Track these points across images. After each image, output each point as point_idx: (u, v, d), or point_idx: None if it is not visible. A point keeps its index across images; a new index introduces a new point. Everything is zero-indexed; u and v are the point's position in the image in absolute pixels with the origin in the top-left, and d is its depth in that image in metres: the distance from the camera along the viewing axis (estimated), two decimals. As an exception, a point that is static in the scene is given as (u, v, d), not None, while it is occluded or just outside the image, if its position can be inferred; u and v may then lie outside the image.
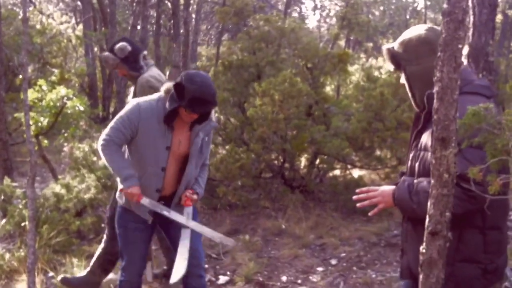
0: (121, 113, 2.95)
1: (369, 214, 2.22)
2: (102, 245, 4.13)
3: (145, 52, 3.95)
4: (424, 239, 1.65)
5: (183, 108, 2.80)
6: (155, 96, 2.98)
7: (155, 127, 2.87)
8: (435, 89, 1.63)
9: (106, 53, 3.89)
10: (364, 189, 2.23)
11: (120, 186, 2.95)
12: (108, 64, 3.90)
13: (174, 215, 2.98)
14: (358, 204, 2.22)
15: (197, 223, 3.03)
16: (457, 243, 2.02)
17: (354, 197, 2.24)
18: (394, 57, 2.25)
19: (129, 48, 3.79)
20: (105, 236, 4.12)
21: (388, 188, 2.18)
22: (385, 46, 2.31)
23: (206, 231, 3.05)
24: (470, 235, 2.03)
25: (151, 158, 2.92)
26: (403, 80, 2.25)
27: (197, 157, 3.02)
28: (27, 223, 4.80)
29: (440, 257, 1.65)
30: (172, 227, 3.15)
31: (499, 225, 2.12)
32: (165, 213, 2.98)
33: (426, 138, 2.10)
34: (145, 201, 2.95)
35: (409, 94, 2.24)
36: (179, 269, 2.88)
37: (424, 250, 1.65)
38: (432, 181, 1.64)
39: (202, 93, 2.75)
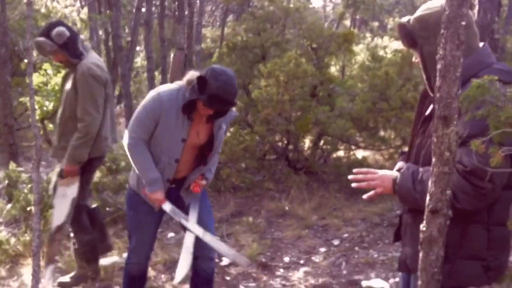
0: (143, 104, 2.89)
1: (364, 197, 2.08)
2: (72, 243, 4.05)
3: (82, 36, 3.78)
4: (425, 217, 1.64)
5: (201, 101, 2.76)
6: (175, 85, 2.92)
7: (174, 118, 2.83)
8: (438, 66, 1.60)
9: (42, 39, 3.58)
10: (363, 170, 2.08)
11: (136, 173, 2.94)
12: (44, 50, 3.62)
13: (191, 226, 2.94)
14: (354, 185, 2.06)
15: (213, 237, 2.95)
16: (460, 239, 1.92)
17: (351, 176, 2.08)
18: (409, 34, 2.04)
19: (67, 33, 3.58)
20: (71, 234, 4.04)
21: (389, 173, 2.05)
22: (400, 21, 2.09)
23: (222, 248, 2.95)
24: (474, 231, 1.92)
25: (166, 148, 2.89)
26: (416, 59, 2.08)
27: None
28: (32, 207, 4.84)
29: (440, 235, 1.64)
30: (182, 211, 3.13)
31: (505, 220, 2.00)
32: (183, 222, 2.95)
33: None
34: (167, 206, 2.92)
35: (424, 76, 2.06)
36: (183, 266, 2.87)
37: (424, 228, 1.64)
38: (433, 159, 1.62)
39: (223, 92, 2.69)
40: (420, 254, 1.65)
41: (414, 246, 1.99)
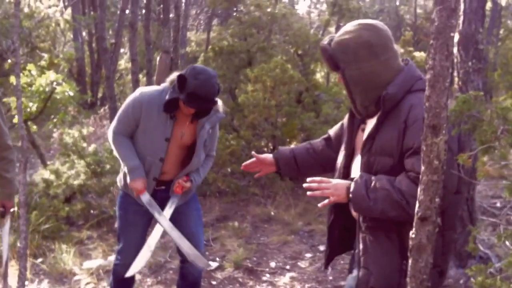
0: (125, 103, 2.95)
1: (319, 205, 2.07)
2: None
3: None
4: (414, 224, 1.67)
5: (181, 101, 2.78)
6: (159, 86, 2.96)
7: (156, 118, 2.85)
8: (427, 76, 1.64)
9: None
10: (317, 179, 2.05)
11: (124, 168, 2.96)
12: None
13: (161, 220, 2.95)
14: (309, 193, 2.04)
15: (180, 235, 2.97)
16: None
17: (305, 185, 2.06)
18: (331, 58, 2.04)
19: None
20: None
21: (342, 181, 2.05)
22: (322, 44, 2.08)
23: (185, 245, 2.97)
24: None
25: (150, 148, 2.91)
26: (341, 83, 2.09)
27: (203, 149, 3.00)
28: (16, 208, 4.79)
29: (429, 242, 1.67)
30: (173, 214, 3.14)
31: (455, 224, 2.08)
32: (156, 215, 2.96)
33: (383, 142, 1.98)
34: (144, 197, 2.94)
35: (349, 99, 2.09)
36: (140, 261, 2.94)
37: (413, 235, 1.67)
38: (423, 168, 1.65)
39: (201, 91, 2.71)
40: (410, 261, 1.68)
41: (379, 264, 2.03)
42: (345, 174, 2.17)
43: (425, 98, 1.65)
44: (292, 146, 2.58)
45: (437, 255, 1.94)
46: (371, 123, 2.06)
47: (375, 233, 2.03)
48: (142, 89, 2.95)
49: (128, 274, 2.97)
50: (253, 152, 2.50)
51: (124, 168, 2.99)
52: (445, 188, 1.79)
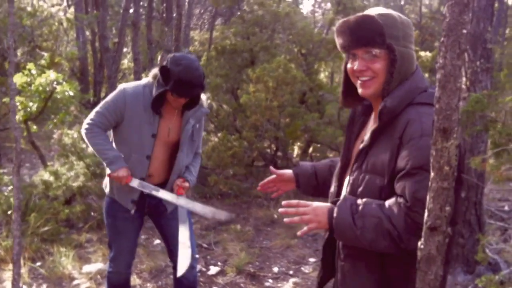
0: (107, 98, 2.86)
1: (298, 234, 1.77)
2: None
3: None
4: (423, 234, 1.57)
5: (169, 92, 2.70)
6: (142, 81, 2.89)
7: (141, 114, 2.78)
8: (437, 76, 1.53)
9: None
10: (293, 202, 1.77)
11: (107, 171, 2.85)
12: None
13: (162, 194, 2.90)
14: (286, 220, 1.76)
15: (187, 199, 2.93)
16: (405, 284, 1.71)
17: (281, 210, 1.78)
18: (380, 29, 1.71)
19: None
20: None
21: (322, 205, 1.75)
22: (368, 14, 1.75)
23: (198, 207, 2.93)
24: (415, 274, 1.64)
25: (136, 145, 2.83)
26: (377, 65, 1.73)
27: (188, 145, 2.93)
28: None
29: (439, 253, 1.57)
30: (162, 218, 3.08)
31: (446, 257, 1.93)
32: (154, 192, 2.89)
33: (375, 159, 1.73)
34: (134, 182, 2.85)
35: (381, 81, 1.75)
36: (184, 260, 2.87)
37: (422, 246, 1.57)
38: (432, 174, 1.55)
39: (187, 75, 2.64)
40: (418, 274, 1.58)
41: None
42: (339, 189, 1.93)
43: (435, 99, 1.55)
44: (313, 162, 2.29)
45: None
46: (366, 136, 1.79)
47: (355, 262, 1.81)
48: (125, 85, 2.87)
49: (178, 274, 2.89)
50: (271, 168, 2.23)
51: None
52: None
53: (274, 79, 5.54)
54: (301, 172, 2.18)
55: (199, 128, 2.98)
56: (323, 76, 9.33)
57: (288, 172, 2.19)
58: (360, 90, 1.79)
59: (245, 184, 6.45)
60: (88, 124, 2.83)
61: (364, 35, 1.73)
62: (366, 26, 1.72)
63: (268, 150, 6.53)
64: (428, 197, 1.56)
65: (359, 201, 1.70)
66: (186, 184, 2.94)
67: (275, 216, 5.65)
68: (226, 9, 12.62)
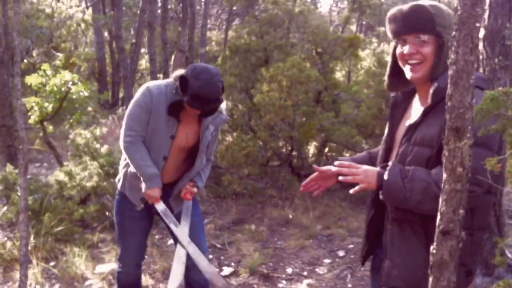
0: (134, 100, 2.81)
1: (351, 192, 1.95)
2: None
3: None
4: (435, 238, 1.50)
5: (186, 103, 2.67)
6: (164, 81, 2.87)
7: (162, 114, 2.76)
8: (449, 72, 1.47)
9: None
10: (345, 163, 1.96)
11: (120, 168, 2.88)
12: None
13: (179, 231, 2.88)
14: (340, 178, 1.94)
15: (196, 249, 2.88)
16: None
17: (334, 168, 1.98)
18: (430, 17, 1.89)
19: None
20: None
21: (372, 168, 1.94)
22: (420, 4, 1.92)
23: (202, 263, 2.88)
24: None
25: (155, 145, 2.81)
26: (426, 49, 1.91)
27: (204, 151, 2.91)
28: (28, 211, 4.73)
29: (452, 258, 1.50)
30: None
31: (485, 224, 2.00)
32: (172, 225, 2.89)
33: (424, 133, 1.90)
34: (160, 206, 2.86)
35: (430, 65, 1.90)
36: (177, 275, 2.83)
37: (434, 251, 1.50)
38: (445, 175, 1.48)
39: (204, 91, 2.60)
40: (430, 279, 1.51)
41: (404, 257, 1.97)
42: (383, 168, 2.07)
43: (447, 97, 1.48)
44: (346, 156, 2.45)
45: (465, 254, 1.83)
46: (414, 115, 1.98)
47: (401, 226, 1.96)
48: (149, 84, 2.84)
49: None
50: (314, 166, 2.30)
51: (130, 174, 2.87)
52: (481, 186, 1.74)
53: (288, 78, 5.47)
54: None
55: (215, 135, 2.95)
56: (339, 75, 9.22)
57: (330, 168, 2.27)
58: (409, 74, 1.95)
59: (260, 184, 6.40)
60: (129, 136, 2.79)
61: (416, 21, 1.91)
62: (419, 14, 1.90)
63: (283, 150, 6.46)
64: (440, 200, 1.50)
65: (407, 167, 1.86)
66: (195, 190, 2.92)
67: (290, 216, 5.59)
68: (243, 9, 12.59)
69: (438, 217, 1.49)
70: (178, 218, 2.95)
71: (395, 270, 1.98)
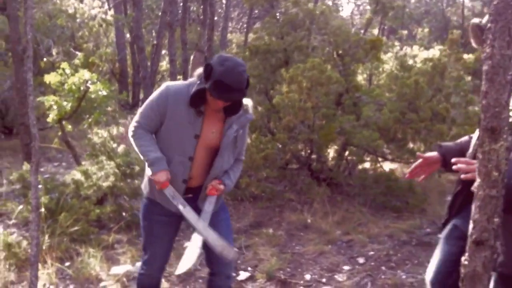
0: (150, 98, 2.79)
1: (462, 177, 1.91)
2: None
3: None
4: (467, 248, 1.38)
5: (208, 91, 2.60)
6: (187, 81, 2.80)
7: (183, 113, 2.68)
8: (484, 67, 1.35)
9: None
10: (462, 159, 1.92)
11: (148, 171, 2.79)
12: None
13: (187, 211, 2.78)
14: (462, 176, 1.89)
15: (205, 226, 2.80)
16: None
17: (454, 167, 1.92)
18: None
19: None
20: None
21: None
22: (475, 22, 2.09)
23: (211, 237, 2.78)
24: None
25: (178, 146, 2.74)
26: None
27: (229, 150, 2.81)
28: (43, 209, 4.70)
29: (486, 270, 1.38)
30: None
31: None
32: (180, 207, 2.78)
33: None
34: (169, 190, 2.77)
35: None
36: (188, 259, 2.77)
37: (466, 262, 1.39)
38: (478, 180, 1.36)
39: (228, 78, 2.52)
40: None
41: (507, 245, 1.99)
42: None
43: (481, 94, 1.37)
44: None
45: None
46: None
47: (505, 216, 1.85)
48: (168, 83, 2.79)
49: (176, 272, 2.86)
50: (418, 153, 2.44)
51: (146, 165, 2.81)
52: None
53: (308, 80, 5.36)
54: (447, 151, 2.39)
55: (242, 134, 2.85)
56: (360, 78, 9.07)
57: (433, 154, 2.42)
58: None
59: (278, 187, 6.29)
60: (134, 126, 2.81)
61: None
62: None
63: (302, 153, 6.34)
64: (473, 207, 1.38)
65: None
66: (221, 187, 2.81)
67: (309, 220, 5.46)
68: (264, 12, 12.54)
69: (471, 225, 1.37)
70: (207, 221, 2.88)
71: (500, 257, 2.01)
